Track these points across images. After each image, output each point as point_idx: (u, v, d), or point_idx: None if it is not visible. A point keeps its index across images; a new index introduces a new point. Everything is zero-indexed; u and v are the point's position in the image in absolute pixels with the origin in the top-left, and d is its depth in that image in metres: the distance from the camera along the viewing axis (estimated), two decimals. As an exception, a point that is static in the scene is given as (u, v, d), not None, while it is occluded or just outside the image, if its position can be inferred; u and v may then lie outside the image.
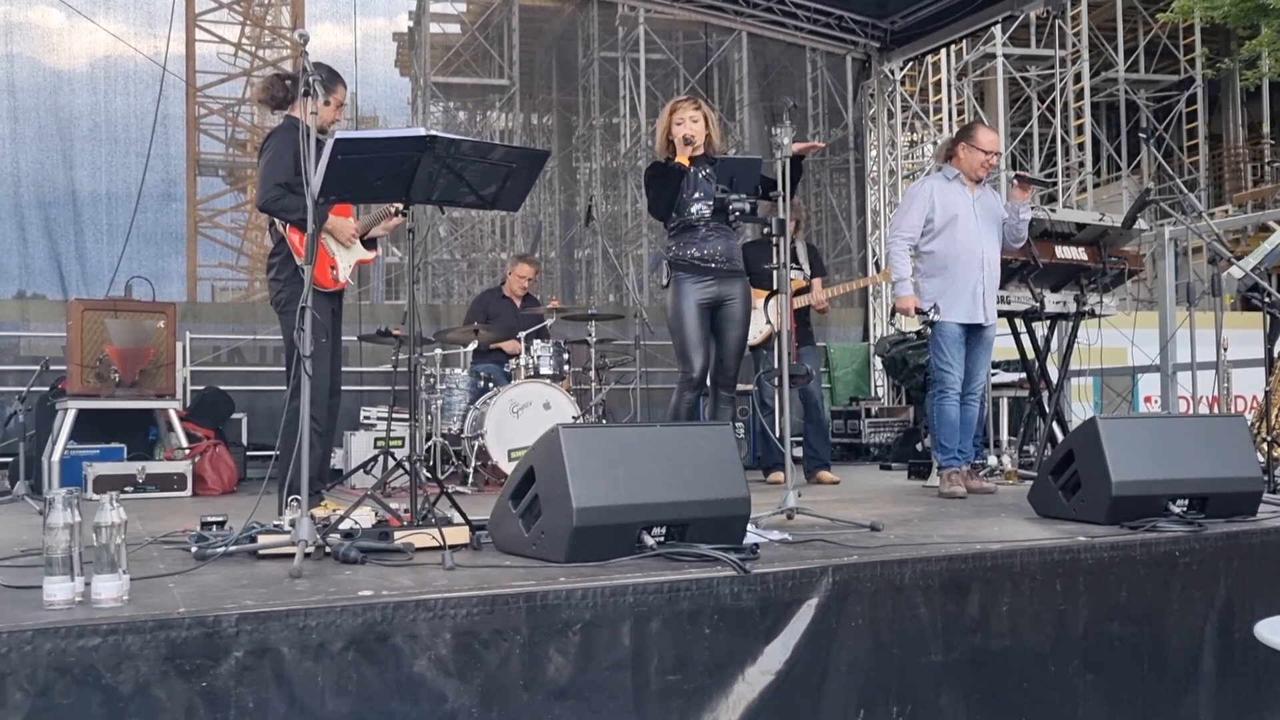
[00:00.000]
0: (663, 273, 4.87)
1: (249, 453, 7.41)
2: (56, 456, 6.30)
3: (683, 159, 4.70)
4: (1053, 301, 6.10)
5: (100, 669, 2.24)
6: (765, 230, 5.71)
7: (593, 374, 6.83)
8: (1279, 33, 19.29)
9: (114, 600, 2.43)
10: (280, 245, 4.53)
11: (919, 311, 5.35)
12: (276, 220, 4.52)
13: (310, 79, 3.38)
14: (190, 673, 2.31)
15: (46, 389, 6.86)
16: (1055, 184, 21.12)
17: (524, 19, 15.10)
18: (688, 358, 4.80)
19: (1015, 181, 5.40)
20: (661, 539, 3.11)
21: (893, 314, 5.52)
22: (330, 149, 3.26)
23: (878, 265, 10.16)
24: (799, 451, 6.69)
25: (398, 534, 3.29)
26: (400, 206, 3.84)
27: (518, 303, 7.52)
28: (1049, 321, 6.43)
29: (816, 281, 6.89)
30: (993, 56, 20.02)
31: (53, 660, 2.21)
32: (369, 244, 4.88)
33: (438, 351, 7.04)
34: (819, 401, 6.95)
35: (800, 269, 6.80)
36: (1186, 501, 3.83)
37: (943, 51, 14.66)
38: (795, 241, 6.91)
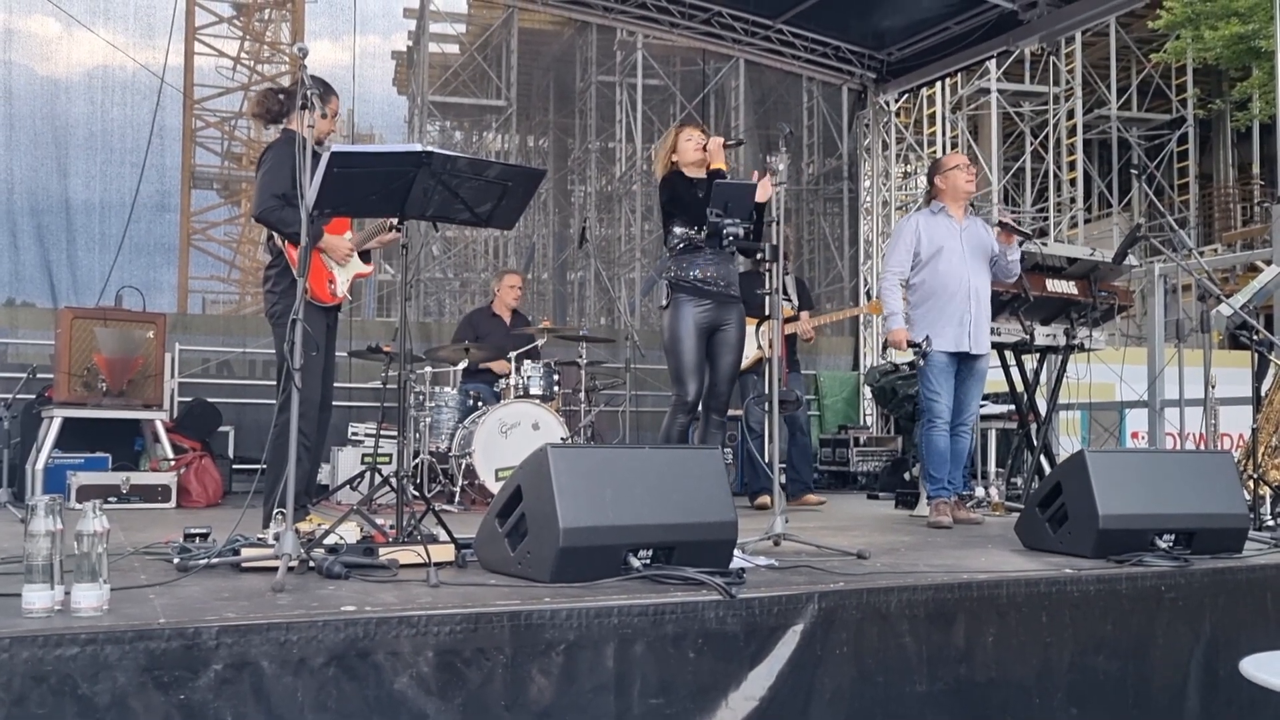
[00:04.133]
0: (662, 293, 4.87)
1: (235, 466, 7.37)
2: (41, 464, 6.26)
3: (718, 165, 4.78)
4: (1042, 334, 6.12)
5: (77, 679, 2.22)
6: (759, 256, 5.76)
7: (582, 396, 6.82)
8: (1269, 75, 19.48)
9: (94, 610, 2.41)
10: (278, 258, 4.52)
11: (911, 344, 5.36)
12: (275, 233, 4.51)
13: (308, 92, 3.39)
14: (168, 685, 2.28)
15: (33, 396, 6.82)
16: (1046, 219, 21.26)
17: (523, 41, 15.18)
18: (683, 381, 4.80)
19: (999, 227, 5.43)
20: (648, 561, 3.09)
21: (884, 348, 5.54)
22: (326, 162, 3.26)
23: (869, 295, 10.20)
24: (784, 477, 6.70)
25: (382, 550, 3.26)
26: (396, 221, 3.84)
27: (507, 319, 7.52)
28: (1038, 354, 6.45)
29: (804, 313, 6.98)
30: (987, 91, 20.19)
31: (29, 669, 2.19)
32: (364, 257, 4.88)
33: (427, 369, 7.03)
34: (804, 426, 6.99)
35: (788, 299, 6.88)
36: (1173, 537, 3.83)
37: (938, 84, 14.79)
38: (785, 274, 6.98)
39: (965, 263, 5.40)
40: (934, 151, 17.64)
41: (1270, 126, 22.06)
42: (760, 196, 4.60)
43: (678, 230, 4.81)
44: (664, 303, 4.87)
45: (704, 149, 4.85)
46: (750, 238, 4.52)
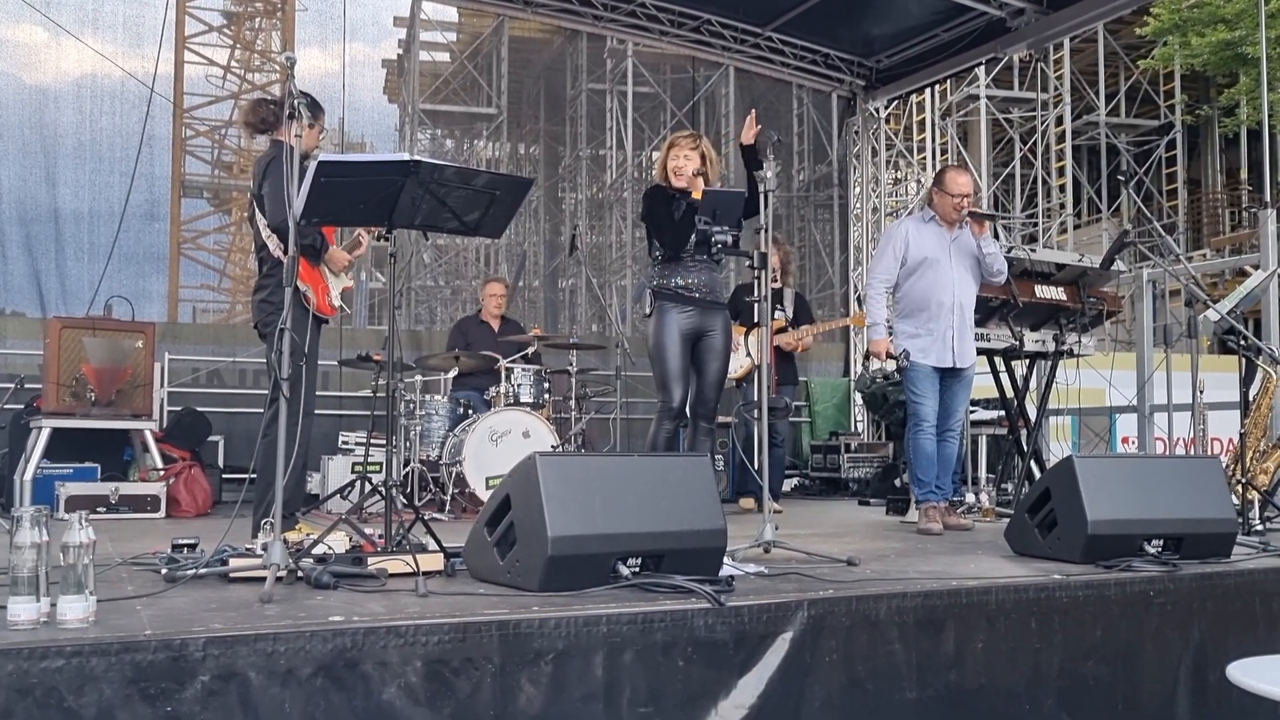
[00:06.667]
0: (646, 301, 4.89)
1: (225, 475, 7.34)
2: (29, 475, 6.23)
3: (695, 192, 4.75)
4: (1032, 340, 6.13)
5: (63, 691, 2.20)
6: (748, 264, 5.78)
7: (573, 403, 6.82)
8: (1256, 81, 19.60)
9: (79, 621, 2.40)
10: (275, 267, 4.50)
11: (891, 356, 5.38)
12: (269, 242, 4.50)
13: (295, 101, 3.39)
14: (155, 696, 2.27)
15: (21, 407, 6.79)
16: (1035, 225, 21.33)
17: (513, 49, 15.20)
18: (668, 387, 4.80)
19: (969, 218, 5.41)
20: (637, 569, 3.09)
21: (867, 356, 5.55)
22: (313, 171, 3.26)
23: (860, 301, 10.23)
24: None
25: (371, 560, 3.26)
26: (378, 232, 3.83)
27: (495, 325, 7.52)
28: (1028, 360, 6.46)
29: (804, 327, 7.06)
30: (976, 98, 20.24)
31: (14, 681, 2.17)
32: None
33: (418, 377, 7.02)
34: (780, 438, 7.21)
35: (781, 310, 6.93)
36: (1161, 542, 3.84)
37: (927, 91, 14.82)
38: (784, 289, 7.04)
39: (952, 275, 5.39)
40: (923, 158, 17.68)
41: (1257, 132, 22.15)
42: (745, 138, 4.71)
43: (658, 240, 4.84)
44: (647, 310, 4.88)
45: (687, 174, 4.82)
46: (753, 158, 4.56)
